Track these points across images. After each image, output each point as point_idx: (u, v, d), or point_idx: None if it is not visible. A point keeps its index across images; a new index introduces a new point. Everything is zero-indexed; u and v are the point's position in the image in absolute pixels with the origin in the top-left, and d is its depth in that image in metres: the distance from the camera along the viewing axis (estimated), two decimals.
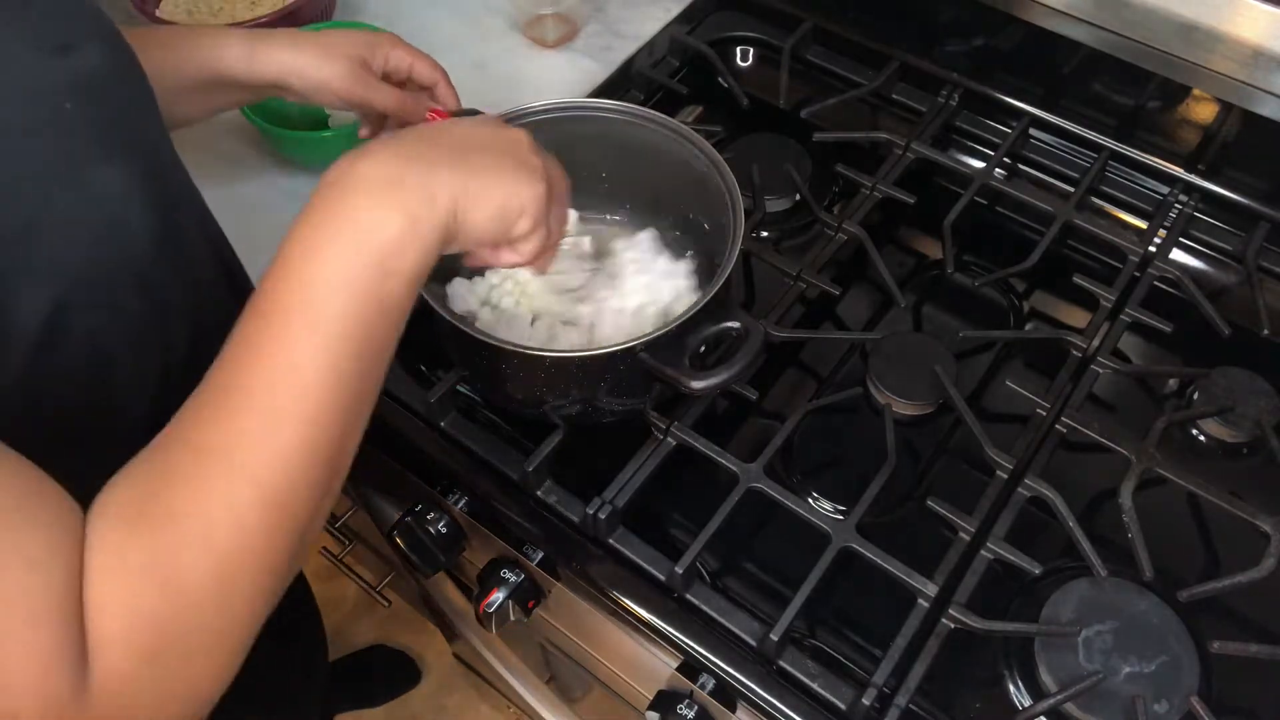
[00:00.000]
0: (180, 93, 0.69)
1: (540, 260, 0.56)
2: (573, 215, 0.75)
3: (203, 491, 0.40)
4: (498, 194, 0.50)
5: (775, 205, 0.84)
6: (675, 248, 0.75)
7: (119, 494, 0.40)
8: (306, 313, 0.43)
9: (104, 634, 0.37)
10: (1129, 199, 0.85)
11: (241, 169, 0.89)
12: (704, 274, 0.74)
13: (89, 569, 0.38)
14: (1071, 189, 0.83)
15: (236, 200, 0.86)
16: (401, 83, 0.75)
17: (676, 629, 0.63)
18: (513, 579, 0.72)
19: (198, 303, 0.58)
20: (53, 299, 0.46)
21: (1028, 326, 0.80)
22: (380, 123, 0.76)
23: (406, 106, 0.73)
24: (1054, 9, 0.81)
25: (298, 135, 0.86)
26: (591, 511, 0.64)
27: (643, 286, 0.69)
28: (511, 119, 0.70)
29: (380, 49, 0.73)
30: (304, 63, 0.70)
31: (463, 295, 0.70)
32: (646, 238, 0.73)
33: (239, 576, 0.41)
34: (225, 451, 0.41)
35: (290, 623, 0.92)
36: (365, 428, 0.47)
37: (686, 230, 0.76)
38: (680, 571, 0.62)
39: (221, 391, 0.42)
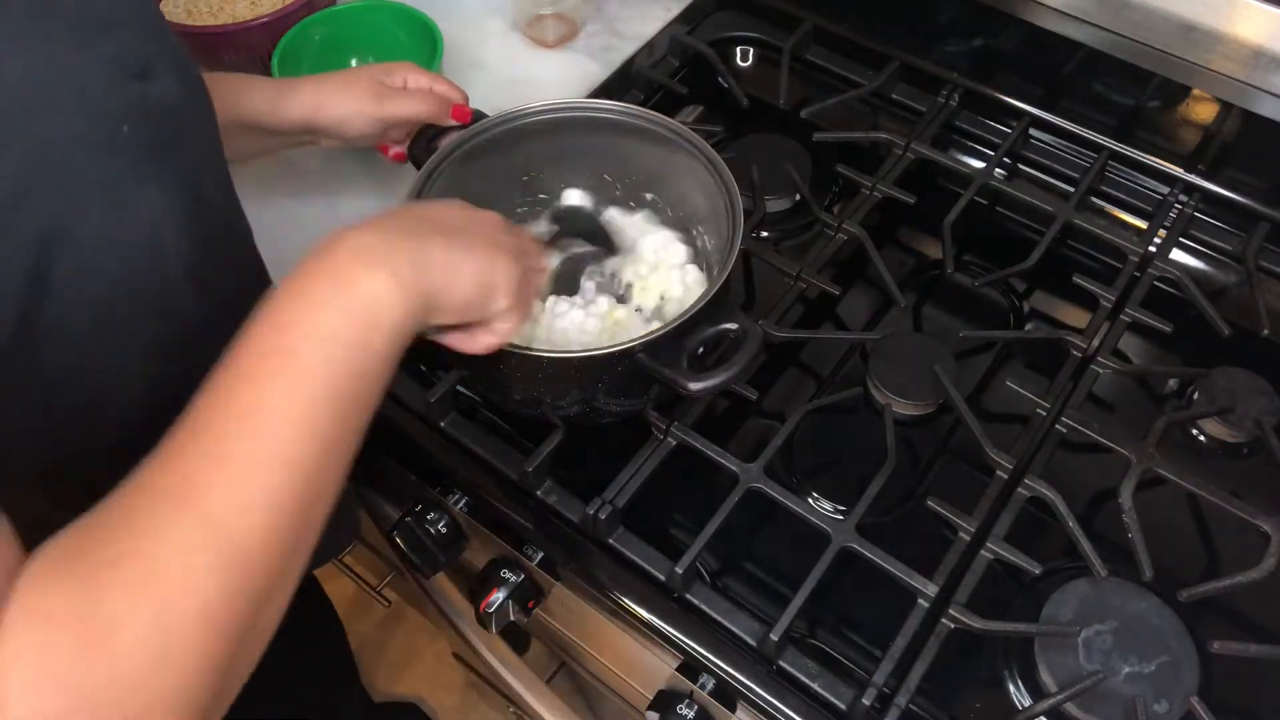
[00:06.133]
0: None
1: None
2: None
3: (151, 533, 0.36)
4: (472, 269, 0.51)
5: (775, 205, 0.84)
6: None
7: (62, 538, 0.36)
8: (287, 359, 0.41)
9: (8, 693, 0.32)
10: (1129, 199, 0.85)
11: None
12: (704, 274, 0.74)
13: (5, 616, 0.33)
14: (1071, 189, 0.83)
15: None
16: None
17: (676, 629, 0.63)
18: (513, 579, 0.72)
19: (227, 334, 0.57)
20: (70, 311, 0.44)
21: (1028, 326, 0.80)
22: (405, 136, 0.77)
23: (431, 108, 0.74)
24: (1054, 9, 0.81)
25: None
26: (591, 511, 0.64)
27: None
28: (512, 119, 0.71)
29: (398, 71, 0.75)
30: (325, 95, 0.72)
31: None
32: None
33: (184, 630, 0.35)
34: (184, 493, 0.37)
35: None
36: (337, 492, 0.44)
37: (686, 230, 0.76)
38: (680, 571, 0.62)
39: (189, 435, 0.40)
